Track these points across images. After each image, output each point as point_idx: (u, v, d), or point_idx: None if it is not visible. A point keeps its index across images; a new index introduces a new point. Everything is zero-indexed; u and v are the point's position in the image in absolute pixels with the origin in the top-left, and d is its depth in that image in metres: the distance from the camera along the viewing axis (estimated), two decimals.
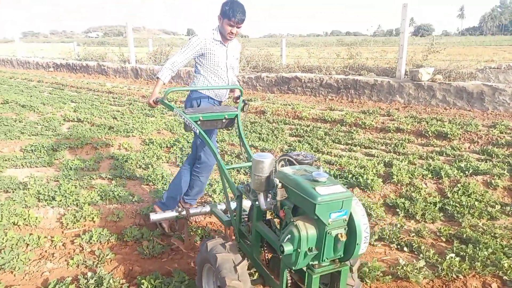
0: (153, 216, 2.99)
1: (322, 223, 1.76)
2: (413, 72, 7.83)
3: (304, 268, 1.88)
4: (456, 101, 7.32)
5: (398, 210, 3.71)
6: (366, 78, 8.49)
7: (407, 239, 3.22)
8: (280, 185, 1.98)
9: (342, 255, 1.85)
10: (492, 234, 3.20)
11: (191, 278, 2.68)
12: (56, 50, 21.11)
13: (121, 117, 7.29)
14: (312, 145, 5.55)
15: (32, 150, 5.34)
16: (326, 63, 10.26)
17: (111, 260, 2.98)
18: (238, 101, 3.18)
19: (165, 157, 5.19)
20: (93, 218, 3.50)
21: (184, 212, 3.08)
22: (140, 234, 3.33)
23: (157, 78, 3.21)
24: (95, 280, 2.63)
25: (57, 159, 5.08)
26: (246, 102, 3.18)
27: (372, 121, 6.46)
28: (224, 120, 2.96)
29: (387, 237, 3.25)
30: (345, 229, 1.82)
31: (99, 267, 2.85)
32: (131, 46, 13.03)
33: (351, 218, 1.83)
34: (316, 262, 1.83)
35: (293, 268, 1.86)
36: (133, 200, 3.93)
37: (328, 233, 1.77)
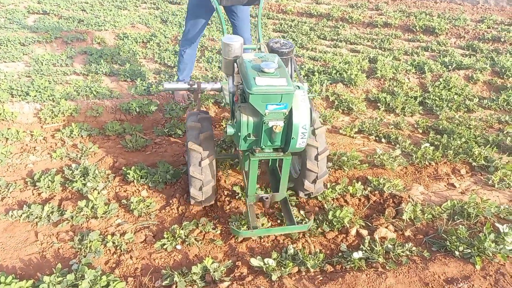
0: (167, 85, 3.00)
1: (259, 113, 1.84)
2: None
3: None
4: None
5: (379, 104, 3.75)
6: None
7: (386, 131, 3.32)
8: (236, 70, 2.03)
9: (279, 145, 1.97)
10: (467, 125, 3.32)
11: (175, 168, 2.75)
12: None
13: (91, 9, 6.71)
14: (297, 41, 5.34)
15: None
16: None
17: (94, 153, 3.00)
18: None
19: (142, 52, 4.93)
20: (71, 113, 3.41)
21: (195, 86, 3.05)
22: (122, 129, 3.31)
23: None
24: (80, 170, 2.67)
25: (26, 54, 4.76)
26: None
27: (359, 15, 6.16)
28: None
29: (367, 130, 3.34)
30: (284, 122, 1.88)
31: (83, 159, 2.87)
32: None
33: (291, 113, 1.87)
34: (257, 147, 1.98)
35: (238, 148, 2.05)
36: (112, 96, 3.82)
37: (265, 123, 1.86)
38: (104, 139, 3.24)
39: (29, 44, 5.02)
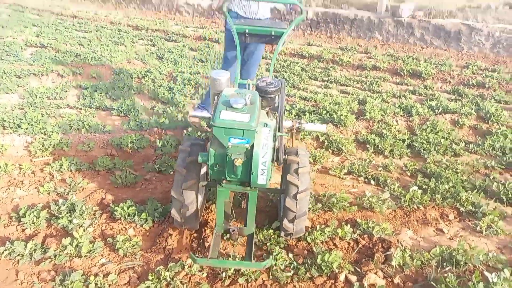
0: (193, 113, 3.04)
1: (223, 145, 1.96)
2: (394, 8, 7.63)
3: None
4: (434, 40, 7.28)
5: (368, 146, 3.81)
6: (347, 12, 8.22)
7: (375, 173, 3.36)
8: (215, 102, 2.17)
9: (242, 178, 2.04)
10: (454, 170, 3.37)
11: (164, 205, 2.73)
12: None
13: (89, 44, 6.86)
14: (289, 81, 5.48)
15: None
16: None
17: (83, 189, 2.97)
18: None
19: (136, 88, 5.01)
20: (62, 147, 3.41)
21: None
22: (112, 164, 3.30)
23: None
24: (67, 206, 2.63)
25: (21, 86, 4.80)
26: (307, 19, 3.14)
27: (349, 58, 6.38)
28: (272, 36, 2.90)
29: (356, 171, 3.37)
30: (246, 157, 1.97)
31: (71, 194, 2.84)
32: None
33: (252, 148, 1.97)
34: (224, 178, 2.07)
35: (208, 176, 2.14)
36: (104, 130, 3.84)
37: (228, 155, 1.96)
38: (93, 174, 3.22)
39: (25, 76, 5.08)
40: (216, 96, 2.25)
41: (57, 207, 2.63)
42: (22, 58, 5.80)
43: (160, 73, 5.51)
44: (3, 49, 6.20)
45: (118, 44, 7.02)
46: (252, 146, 1.96)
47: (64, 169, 3.15)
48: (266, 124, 2.04)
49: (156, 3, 10.69)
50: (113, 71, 5.57)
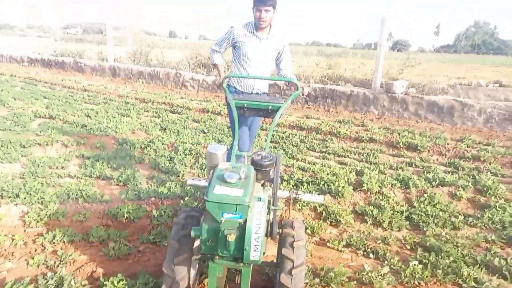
0: (190, 181, 3.03)
1: (216, 220, 1.95)
2: (388, 85, 8.03)
3: None
4: (428, 115, 7.55)
5: (366, 217, 3.78)
6: (343, 88, 8.65)
7: (374, 246, 3.29)
8: (210, 177, 2.20)
9: (235, 254, 2.00)
10: (454, 243, 3.30)
11: (156, 280, 2.64)
12: (32, 45, 20.51)
13: (95, 116, 7.14)
14: (287, 152, 5.60)
15: None
16: (306, 72, 10.38)
17: (74, 261, 2.90)
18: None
19: (138, 158, 5.11)
20: (58, 217, 3.40)
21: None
22: (107, 235, 3.26)
23: (214, 65, 3.76)
24: (55, 280, 2.55)
25: (25, 156, 4.92)
26: (303, 94, 3.33)
27: (346, 130, 6.58)
28: (269, 110, 3.03)
29: (355, 244, 3.31)
30: (239, 232, 1.95)
31: (61, 267, 2.77)
32: (110, 44, 12.82)
33: (245, 223, 1.95)
34: (216, 253, 2.03)
35: (200, 250, 2.08)
36: (102, 200, 3.85)
37: (221, 230, 1.94)
38: (86, 245, 3.16)
39: (30, 146, 5.22)
40: (212, 170, 2.30)
41: (45, 281, 2.55)
42: (30, 129, 6.02)
43: (163, 143, 5.66)
44: (12, 120, 6.46)
45: (124, 116, 7.31)
46: (245, 221, 1.95)
47: (57, 240, 3.11)
48: (260, 198, 2.05)
49: (163, 78, 11.31)
50: (117, 141, 5.73)
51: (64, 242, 3.13)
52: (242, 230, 1.95)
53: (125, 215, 3.50)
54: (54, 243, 3.10)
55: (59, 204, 3.61)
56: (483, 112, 7.08)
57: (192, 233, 2.05)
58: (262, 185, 2.50)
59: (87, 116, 7.14)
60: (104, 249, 3.06)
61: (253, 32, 3.51)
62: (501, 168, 5.01)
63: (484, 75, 11.60)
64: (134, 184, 4.27)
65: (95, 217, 3.53)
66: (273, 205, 2.44)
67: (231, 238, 1.91)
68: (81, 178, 4.40)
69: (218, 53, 3.71)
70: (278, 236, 2.41)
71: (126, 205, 3.60)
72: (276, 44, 3.61)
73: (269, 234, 2.28)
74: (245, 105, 2.99)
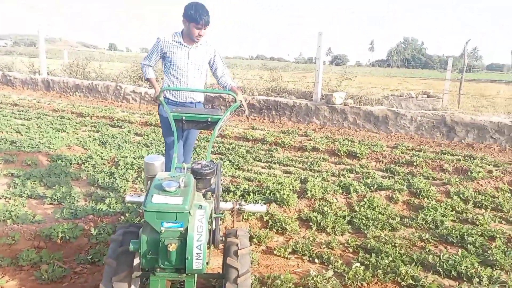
0: (128, 198, 2.83)
1: (155, 230, 1.88)
2: (328, 96, 8.39)
3: None
4: (365, 124, 7.98)
5: (311, 223, 3.86)
6: (286, 100, 8.89)
7: (319, 251, 3.36)
8: (148, 187, 2.12)
9: (177, 265, 1.93)
10: (393, 244, 3.48)
11: None
12: None
13: (27, 132, 6.65)
14: (234, 163, 5.59)
15: None
16: (250, 84, 10.54)
17: None
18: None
19: (75, 174, 4.82)
20: None
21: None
22: (39, 257, 3.01)
23: (147, 79, 3.73)
24: None
25: None
26: (241, 107, 3.30)
27: (290, 140, 6.74)
28: (208, 123, 3.00)
29: (300, 250, 3.35)
30: (181, 241, 1.90)
31: None
32: (43, 56, 12.09)
33: (186, 232, 1.91)
34: (157, 266, 1.94)
35: (141, 265, 2.00)
36: (33, 220, 3.56)
37: (161, 240, 1.87)
38: (16, 270, 2.90)
39: None
40: (149, 181, 2.23)
41: None
42: None
43: (102, 159, 5.39)
44: None
45: (59, 131, 6.88)
46: (186, 230, 1.90)
47: None
48: (201, 206, 2.02)
49: (102, 92, 10.86)
50: (51, 158, 5.36)
51: None
52: (183, 239, 1.89)
53: (60, 235, 3.26)
54: None
55: None
56: (414, 121, 7.63)
57: (131, 247, 1.95)
58: (204, 195, 2.47)
59: (17, 132, 6.62)
60: (36, 272, 2.82)
61: (180, 42, 3.55)
62: (431, 171, 5.40)
63: (414, 87, 12.57)
64: (70, 202, 4.00)
65: (26, 239, 3.25)
66: (215, 212, 2.41)
67: (172, 247, 1.84)
68: (10, 198, 4.05)
69: (149, 67, 3.68)
70: (222, 246, 2.38)
71: (60, 225, 3.35)
72: (206, 51, 3.68)
73: (211, 242, 2.24)
74: (184, 117, 2.95)
